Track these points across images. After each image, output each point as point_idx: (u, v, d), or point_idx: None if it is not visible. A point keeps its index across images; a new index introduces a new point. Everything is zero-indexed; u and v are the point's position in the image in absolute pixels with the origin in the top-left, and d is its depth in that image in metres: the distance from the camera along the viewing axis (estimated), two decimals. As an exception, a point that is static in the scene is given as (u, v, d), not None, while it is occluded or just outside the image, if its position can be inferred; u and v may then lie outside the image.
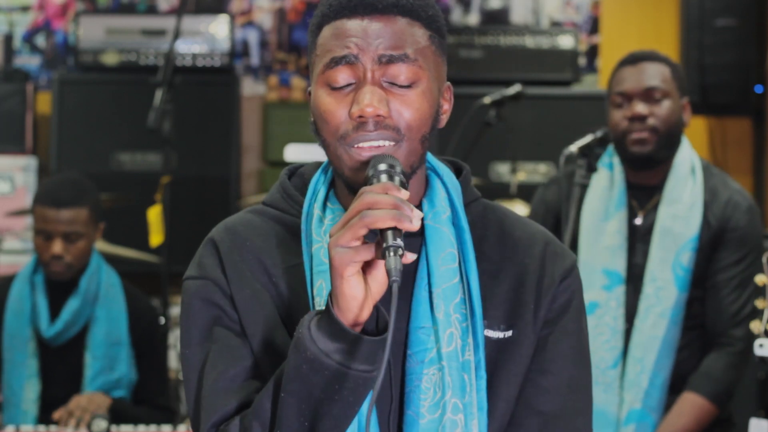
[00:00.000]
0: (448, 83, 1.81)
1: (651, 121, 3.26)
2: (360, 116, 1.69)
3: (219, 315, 1.76)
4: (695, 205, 3.29)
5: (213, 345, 1.75)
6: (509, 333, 1.78)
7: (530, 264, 1.82)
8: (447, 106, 1.81)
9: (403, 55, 1.71)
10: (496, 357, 1.78)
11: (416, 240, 1.77)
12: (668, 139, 3.28)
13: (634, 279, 3.32)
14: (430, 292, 1.75)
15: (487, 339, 1.77)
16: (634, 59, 3.32)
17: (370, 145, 1.70)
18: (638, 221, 3.36)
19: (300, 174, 1.89)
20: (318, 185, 1.82)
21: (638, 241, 3.34)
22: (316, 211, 1.78)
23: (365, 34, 1.71)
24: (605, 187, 3.36)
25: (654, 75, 3.28)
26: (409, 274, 1.75)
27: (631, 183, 3.36)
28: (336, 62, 1.71)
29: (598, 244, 3.33)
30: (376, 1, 1.72)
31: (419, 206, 1.79)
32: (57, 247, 3.61)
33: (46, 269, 3.67)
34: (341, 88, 1.72)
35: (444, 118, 1.80)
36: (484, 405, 1.75)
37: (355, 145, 1.70)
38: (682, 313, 3.28)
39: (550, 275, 1.82)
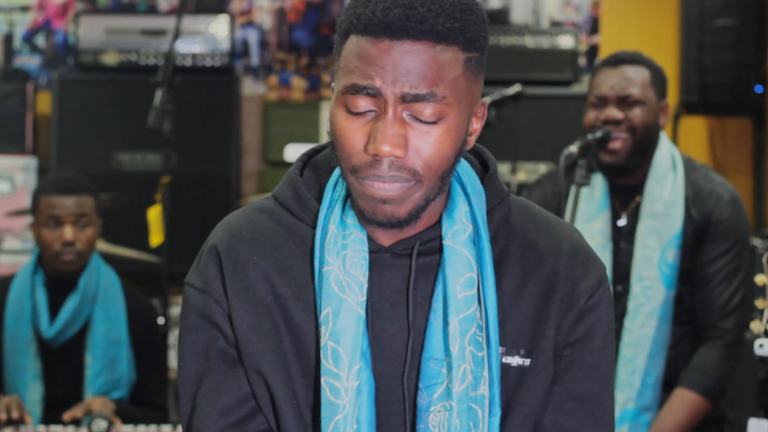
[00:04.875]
0: (483, 100, 1.67)
1: (625, 127, 3.26)
2: (375, 154, 1.58)
3: (216, 335, 1.70)
4: (677, 202, 3.30)
5: (208, 369, 1.70)
6: (528, 361, 1.67)
7: (555, 281, 1.69)
8: (477, 126, 1.68)
9: (430, 94, 1.56)
10: (513, 386, 1.67)
11: (433, 258, 1.67)
12: (641, 146, 3.28)
13: (620, 279, 3.33)
14: (446, 321, 1.64)
15: (506, 366, 1.67)
16: (615, 61, 3.31)
17: (382, 182, 1.59)
18: (621, 222, 3.37)
19: (313, 164, 1.76)
20: (335, 194, 1.70)
21: (622, 241, 3.35)
22: (332, 227, 1.67)
23: (392, 66, 1.56)
24: (588, 189, 3.36)
25: (632, 80, 3.27)
26: (426, 298, 1.66)
27: (613, 184, 3.37)
28: (357, 90, 1.57)
29: None
30: (408, 27, 1.55)
31: (438, 222, 1.68)
32: (68, 232, 3.55)
33: (55, 262, 3.60)
34: (360, 113, 1.59)
35: (472, 139, 1.68)
36: None
37: (367, 182, 1.60)
38: (671, 311, 3.29)
39: (577, 293, 1.70)
